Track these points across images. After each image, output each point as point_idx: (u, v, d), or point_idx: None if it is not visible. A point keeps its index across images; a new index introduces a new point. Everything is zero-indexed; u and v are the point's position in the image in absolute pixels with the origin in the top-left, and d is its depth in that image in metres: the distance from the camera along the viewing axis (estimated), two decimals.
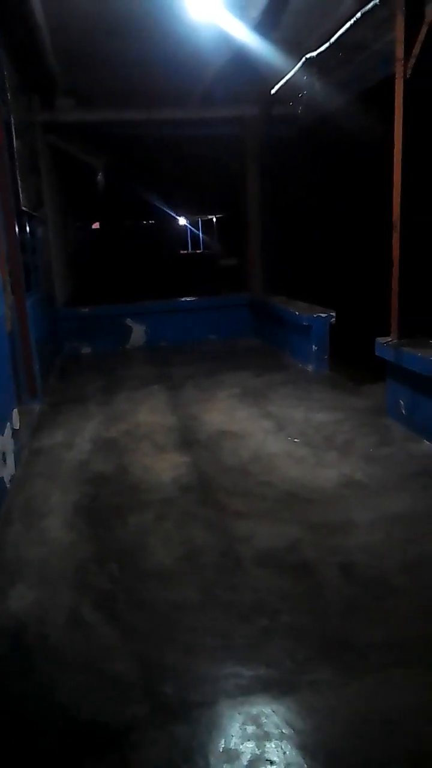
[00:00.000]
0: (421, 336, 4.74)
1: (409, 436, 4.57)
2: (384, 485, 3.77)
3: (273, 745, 1.96)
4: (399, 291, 4.77)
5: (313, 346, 6.70)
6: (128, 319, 8.89)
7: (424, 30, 4.02)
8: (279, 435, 4.78)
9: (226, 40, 5.52)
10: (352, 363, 6.56)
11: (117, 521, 3.48)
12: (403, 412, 4.80)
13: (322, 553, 3.02)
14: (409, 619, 2.49)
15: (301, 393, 5.89)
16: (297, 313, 6.97)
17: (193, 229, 27.51)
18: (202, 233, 27.06)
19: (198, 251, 26.69)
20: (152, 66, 6.44)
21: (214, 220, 24.60)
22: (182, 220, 25.07)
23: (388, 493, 3.65)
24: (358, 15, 4.56)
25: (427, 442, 4.41)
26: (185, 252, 25.59)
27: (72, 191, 13.15)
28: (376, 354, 4.94)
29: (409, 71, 4.24)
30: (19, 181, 5.92)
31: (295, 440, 4.64)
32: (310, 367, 6.79)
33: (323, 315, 6.65)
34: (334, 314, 6.65)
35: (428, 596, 2.62)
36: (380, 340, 4.90)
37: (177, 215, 22.59)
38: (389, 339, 4.83)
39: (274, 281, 8.70)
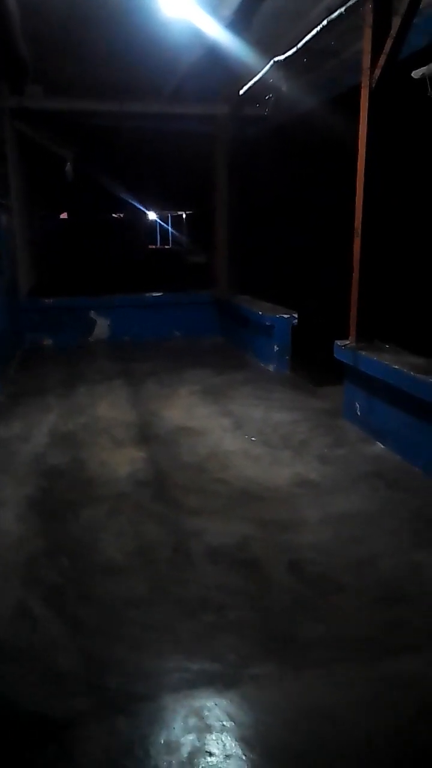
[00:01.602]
0: (379, 340, 4.85)
1: (363, 438, 4.68)
2: (335, 485, 3.85)
3: (213, 738, 1.99)
4: (359, 295, 4.87)
5: (275, 347, 6.78)
6: (92, 312, 8.82)
7: (389, 42, 4.11)
8: (237, 433, 4.83)
9: (198, 38, 5.53)
10: (313, 364, 6.65)
11: (70, 515, 3.47)
12: (359, 414, 4.90)
13: (271, 550, 3.07)
14: (352, 616, 2.56)
15: (261, 392, 5.96)
16: (260, 312, 7.03)
17: (162, 224, 27.40)
18: (172, 229, 26.98)
19: (167, 247, 26.60)
20: (124, 58, 6.40)
21: (184, 216, 24.56)
22: (152, 215, 24.94)
23: (338, 493, 3.73)
24: (324, 23, 4.62)
25: (380, 444, 4.52)
26: (154, 247, 25.47)
27: (40, 180, 12.94)
28: (335, 357, 5.03)
29: (374, 82, 4.33)
30: None
31: (252, 439, 4.70)
32: (271, 367, 6.86)
33: (286, 316, 6.73)
34: (296, 315, 6.73)
35: (371, 594, 2.69)
36: (339, 342, 4.99)
37: (147, 209, 22.45)
38: (347, 342, 4.93)
39: (240, 280, 8.75)
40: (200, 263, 14.68)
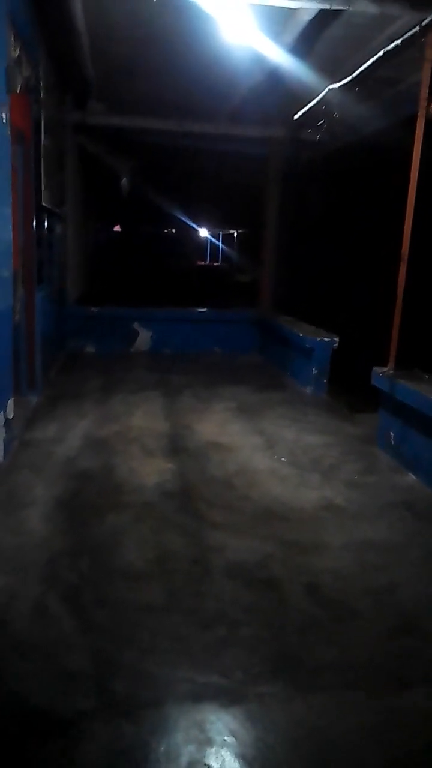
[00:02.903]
0: (418, 369, 4.80)
1: (395, 468, 4.61)
2: (362, 512, 3.81)
3: (213, 751, 1.99)
4: (401, 323, 4.84)
5: (314, 369, 6.76)
6: (136, 323, 8.98)
7: None
8: (267, 452, 4.82)
9: (259, 62, 5.64)
10: (350, 389, 6.59)
11: (95, 519, 3.53)
12: (393, 443, 4.84)
13: (290, 570, 3.06)
14: (365, 643, 2.52)
15: (296, 414, 5.94)
16: (301, 335, 7.04)
17: (213, 241, 27.73)
18: (222, 246, 27.26)
19: (215, 264, 26.88)
20: (185, 79, 6.58)
21: (235, 234, 24.81)
22: (203, 232, 25.29)
23: (364, 520, 3.69)
24: (381, 53, 4.66)
25: (412, 476, 4.45)
26: (203, 263, 25.77)
27: (96, 193, 13.34)
28: (372, 383, 4.99)
29: (431, 113, 4.34)
30: (42, 178, 6.04)
31: (282, 459, 4.69)
32: (308, 390, 6.84)
33: (326, 339, 6.72)
34: (337, 339, 6.71)
35: (386, 623, 2.65)
36: (377, 369, 4.95)
37: (198, 226, 22.80)
38: (386, 369, 4.89)
39: (284, 301, 8.79)
40: (247, 282, 14.77)
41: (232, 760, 1.96)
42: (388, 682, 2.32)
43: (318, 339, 6.75)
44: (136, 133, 8.83)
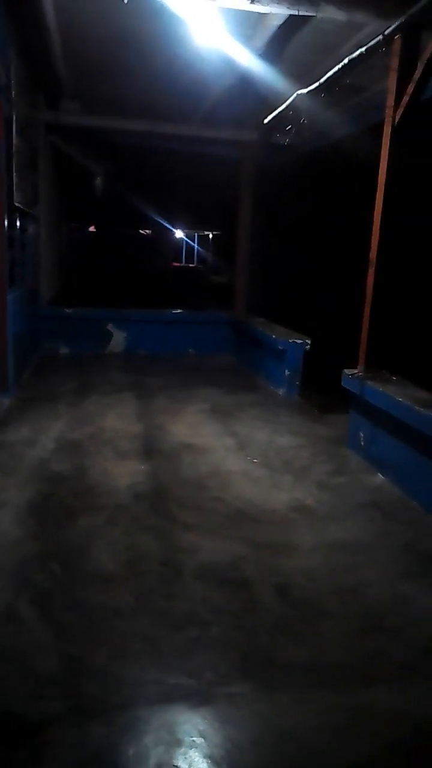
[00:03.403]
0: (386, 371, 4.88)
1: (365, 468, 4.68)
2: (332, 513, 3.87)
3: (182, 752, 2.02)
4: (369, 325, 4.92)
5: (286, 371, 6.82)
6: (110, 324, 8.95)
7: (411, 86, 4.22)
8: (240, 454, 4.86)
9: (230, 66, 5.68)
10: (322, 391, 6.67)
11: (67, 522, 3.53)
12: (362, 443, 4.91)
13: (261, 571, 3.09)
14: (333, 643, 2.57)
15: (269, 415, 6.00)
16: (273, 336, 7.10)
17: (189, 242, 27.72)
18: (198, 248, 27.27)
19: (191, 265, 26.87)
20: (157, 82, 6.59)
21: (210, 236, 24.84)
22: (179, 233, 25.27)
23: (334, 521, 3.75)
24: (346, 61, 4.74)
25: (381, 476, 4.52)
26: (178, 264, 25.75)
27: (70, 193, 13.25)
28: (342, 385, 5.06)
29: (397, 120, 4.42)
30: (15, 178, 6.00)
31: (255, 461, 4.73)
32: (281, 391, 6.90)
33: (298, 341, 6.78)
34: (309, 341, 6.78)
35: (354, 623, 2.70)
36: (347, 371, 5.02)
37: (174, 227, 22.78)
38: (355, 371, 4.96)
39: (257, 303, 8.84)
40: (222, 283, 14.82)
41: (201, 760, 1.99)
42: (354, 680, 2.36)
43: (290, 341, 6.81)
44: (110, 134, 8.80)
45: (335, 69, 4.99)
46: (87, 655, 2.44)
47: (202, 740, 2.06)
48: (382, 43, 4.31)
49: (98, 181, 11.56)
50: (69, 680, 2.30)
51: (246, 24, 4.93)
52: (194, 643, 2.54)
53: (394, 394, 4.32)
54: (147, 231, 21.06)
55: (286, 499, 4.04)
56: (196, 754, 2.01)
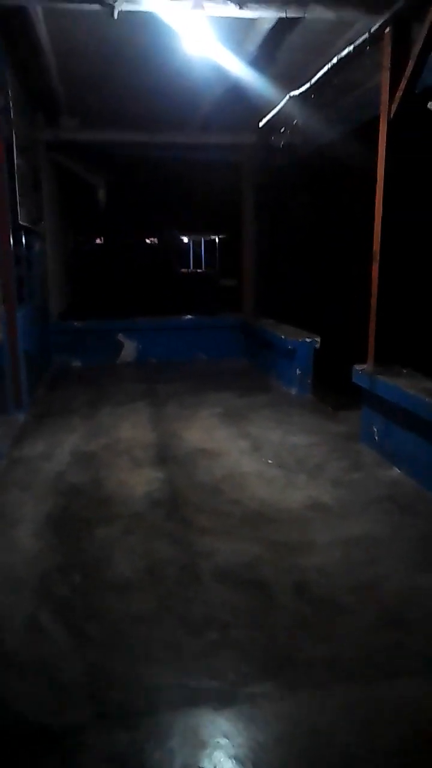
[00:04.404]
0: (397, 365, 4.87)
1: (380, 462, 4.68)
2: (348, 509, 3.87)
3: (207, 753, 2.04)
4: (377, 320, 4.91)
5: (297, 370, 6.83)
6: (120, 334, 9.03)
7: (404, 81, 4.23)
8: (254, 455, 4.88)
9: (224, 72, 5.71)
10: (334, 388, 6.66)
11: (85, 533, 3.57)
12: (376, 438, 4.91)
13: (278, 571, 3.11)
14: (352, 638, 2.58)
15: (281, 415, 6.01)
16: (283, 336, 7.11)
17: (196, 248, 27.82)
18: (205, 253, 27.36)
19: (199, 270, 26.96)
20: (153, 92, 6.65)
21: (217, 240, 24.92)
22: (185, 239, 25.37)
23: (350, 517, 3.75)
24: (335, 60, 4.76)
25: (396, 469, 4.52)
26: (186, 270, 25.84)
27: (74, 207, 13.37)
28: (353, 381, 5.06)
29: (392, 114, 4.43)
30: (18, 197, 6.09)
31: (269, 461, 4.74)
32: (293, 391, 6.91)
33: (308, 340, 6.79)
34: (318, 339, 6.79)
35: (373, 617, 2.71)
36: (357, 367, 5.03)
37: (180, 234, 22.87)
38: (365, 366, 4.96)
39: (265, 304, 8.87)
40: (231, 286, 14.84)
41: (226, 760, 2.01)
42: (375, 674, 2.37)
43: (299, 340, 6.82)
44: (110, 146, 8.89)
45: (325, 69, 5.01)
46: (110, 662, 2.47)
47: (227, 741, 2.09)
48: (369, 40, 4.32)
49: (101, 193, 11.67)
50: (93, 688, 2.34)
51: (237, 30, 4.97)
52: (215, 646, 2.56)
53: (405, 387, 4.32)
54: (153, 239, 21.19)
55: (302, 497, 4.05)
56: (221, 754, 2.03)
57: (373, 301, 4.92)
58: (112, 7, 3.96)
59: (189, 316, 9.53)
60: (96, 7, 4.02)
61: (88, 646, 2.57)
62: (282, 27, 4.87)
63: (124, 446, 5.14)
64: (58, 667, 2.46)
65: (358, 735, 2.10)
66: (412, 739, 2.08)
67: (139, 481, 4.35)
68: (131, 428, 5.67)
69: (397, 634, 2.58)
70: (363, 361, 5.04)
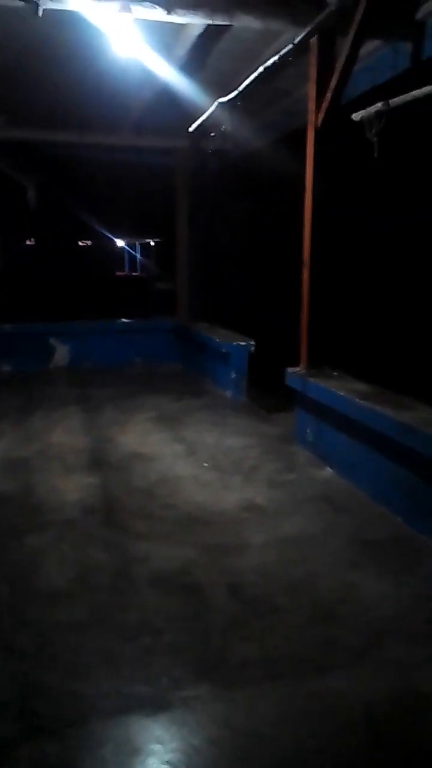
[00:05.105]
0: (328, 367, 4.99)
1: (313, 463, 4.78)
2: (282, 509, 3.93)
3: (140, 760, 2.02)
4: (308, 323, 5.03)
5: (232, 373, 6.89)
6: (52, 338, 8.82)
7: (329, 94, 4.37)
8: (189, 459, 4.88)
9: (153, 76, 5.70)
10: (269, 391, 6.74)
11: (13, 542, 3.46)
12: (310, 439, 5.01)
13: (212, 574, 3.12)
14: (285, 635, 2.62)
15: (217, 418, 6.04)
16: (218, 340, 7.15)
17: (131, 251, 27.63)
18: (140, 256, 27.21)
19: (135, 273, 26.78)
20: (81, 92, 6.54)
21: (152, 243, 24.82)
22: (120, 242, 25.15)
23: (284, 517, 3.81)
24: (261, 69, 4.85)
25: (329, 469, 4.63)
26: (121, 274, 25.61)
27: (3, 208, 13.00)
28: (286, 383, 5.15)
29: (318, 124, 4.55)
30: None
31: (204, 464, 4.76)
32: (228, 394, 6.96)
33: (242, 343, 6.86)
34: (253, 343, 6.86)
35: (305, 614, 2.76)
36: (290, 370, 5.12)
37: (115, 237, 22.65)
38: (298, 369, 5.06)
39: (199, 308, 8.88)
40: (167, 290, 14.81)
41: (159, 766, 1.99)
42: (307, 670, 2.42)
43: (234, 343, 6.88)
44: (40, 146, 8.70)
45: (252, 77, 5.09)
46: (39, 674, 2.41)
47: (160, 746, 2.07)
48: (293, 51, 4.42)
49: (30, 194, 11.40)
50: (21, 702, 2.26)
51: (166, 34, 4.96)
52: (148, 651, 2.54)
53: (336, 389, 4.43)
54: (87, 242, 20.87)
55: (236, 499, 4.08)
56: (155, 760, 2.02)
57: (305, 306, 5.03)
58: (37, 5, 3.87)
59: (123, 320, 9.44)
60: (19, 3, 3.91)
61: (15, 659, 2.50)
62: (211, 34, 4.91)
63: (56, 451, 5.03)
64: None
65: (288, 730, 2.13)
66: (344, 730, 2.13)
67: (72, 487, 4.27)
68: (64, 433, 5.55)
69: (328, 630, 2.64)
70: (297, 364, 5.13)
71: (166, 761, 2.01)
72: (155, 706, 2.24)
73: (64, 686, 2.34)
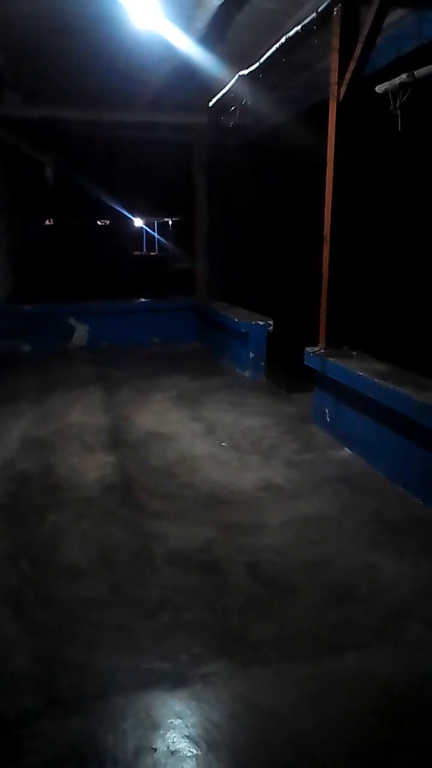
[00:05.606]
0: (347, 346, 4.93)
1: (331, 443, 4.75)
2: (300, 489, 3.92)
3: (160, 734, 2.05)
4: (328, 302, 4.96)
5: (251, 353, 6.85)
6: (71, 318, 8.84)
7: (353, 64, 4.24)
8: (207, 438, 4.88)
9: (172, 50, 5.61)
10: (287, 370, 6.71)
11: (35, 519, 3.51)
12: (328, 419, 4.98)
13: (231, 552, 3.13)
14: (302, 615, 2.62)
15: (235, 398, 6.02)
16: (236, 319, 7.11)
17: (149, 230, 27.48)
18: (159, 235, 27.06)
19: (152, 253, 26.66)
20: (99, 68, 6.48)
21: (170, 222, 24.65)
22: (138, 222, 25.01)
23: (302, 497, 3.80)
24: (283, 40, 4.73)
25: (347, 449, 4.60)
26: (139, 253, 25.50)
27: (21, 187, 12.97)
28: (305, 363, 5.11)
29: (341, 96, 4.44)
30: None
31: (222, 444, 4.76)
32: (246, 373, 6.93)
33: (261, 322, 6.81)
34: (271, 322, 6.81)
35: (322, 593, 2.76)
36: (309, 349, 5.07)
37: (133, 216, 22.53)
38: (317, 348, 5.01)
39: (218, 287, 8.83)
40: (185, 269, 14.73)
41: (179, 740, 2.02)
42: (324, 649, 2.42)
43: (253, 323, 6.84)
44: (57, 124, 8.62)
45: (274, 48, 4.97)
46: (60, 649, 2.45)
47: (180, 721, 2.10)
48: (316, 20, 4.30)
49: (49, 173, 11.34)
50: (43, 676, 2.30)
51: (186, 6, 4.87)
52: (167, 628, 2.57)
53: (355, 369, 4.38)
54: (105, 221, 20.80)
55: (255, 479, 4.08)
56: (175, 734, 2.04)
57: (324, 284, 4.96)
58: None
59: (141, 300, 9.43)
60: None
61: (37, 634, 2.54)
62: (231, 4, 4.80)
63: (75, 431, 5.06)
64: (6, 656, 2.41)
65: (308, 709, 2.14)
66: (361, 710, 2.13)
67: (91, 466, 4.30)
68: (83, 413, 5.58)
69: (346, 609, 2.64)
70: (316, 343, 5.08)
71: (186, 735, 2.03)
72: (175, 681, 2.27)
73: (84, 661, 2.38)
